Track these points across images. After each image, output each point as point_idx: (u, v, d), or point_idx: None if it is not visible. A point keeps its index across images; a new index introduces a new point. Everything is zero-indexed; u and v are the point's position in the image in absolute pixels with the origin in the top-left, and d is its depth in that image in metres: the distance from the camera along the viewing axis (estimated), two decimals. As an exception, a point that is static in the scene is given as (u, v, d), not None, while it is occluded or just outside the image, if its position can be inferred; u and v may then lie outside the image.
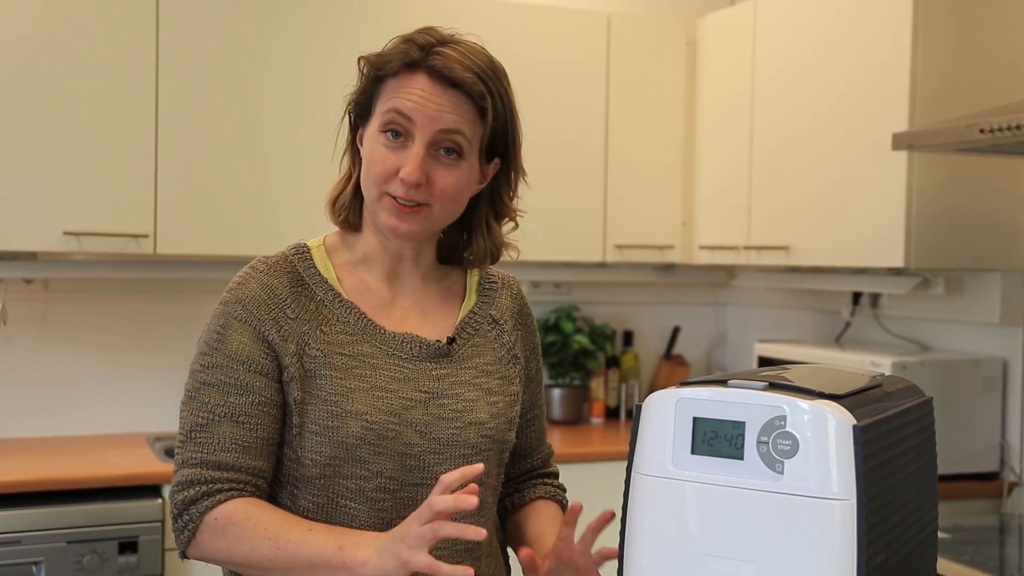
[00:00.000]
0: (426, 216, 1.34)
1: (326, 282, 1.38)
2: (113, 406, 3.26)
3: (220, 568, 1.41)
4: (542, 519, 1.49)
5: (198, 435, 1.32)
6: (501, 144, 1.39)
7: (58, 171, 2.86)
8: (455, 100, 1.33)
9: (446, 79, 1.32)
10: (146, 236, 2.94)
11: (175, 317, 3.32)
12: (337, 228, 1.45)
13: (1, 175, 2.81)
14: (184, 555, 1.32)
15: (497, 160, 1.41)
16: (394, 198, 1.32)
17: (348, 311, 1.37)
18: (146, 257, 3.05)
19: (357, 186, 1.40)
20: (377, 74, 1.34)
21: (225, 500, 1.28)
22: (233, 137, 3.02)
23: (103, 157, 2.90)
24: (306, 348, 1.33)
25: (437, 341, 1.39)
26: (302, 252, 1.41)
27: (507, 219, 1.47)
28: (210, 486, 1.29)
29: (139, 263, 3.21)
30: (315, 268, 1.39)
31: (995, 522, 2.65)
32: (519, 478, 1.56)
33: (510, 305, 1.51)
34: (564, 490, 1.58)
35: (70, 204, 2.87)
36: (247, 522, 1.26)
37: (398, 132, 1.32)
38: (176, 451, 1.34)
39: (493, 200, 1.44)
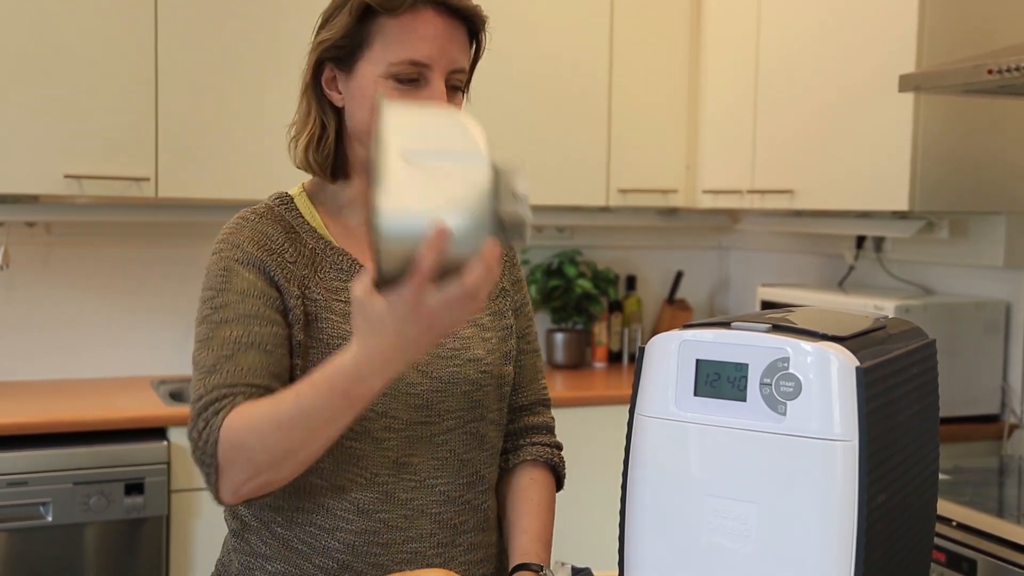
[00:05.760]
0: None
1: (315, 230, 1.37)
2: (117, 350, 3.27)
3: (220, 517, 1.42)
4: (522, 505, 1.44)
5: (224, 365, 1.23)
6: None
7: (58, 114, 2.84)
8: (461, 35, 1.33)
9: (453, 10, 1.31)
10: (147, 179, 2.92)
11: (178, 261, 3.32)
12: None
13: (1, 118, 2.80)
14: (217, 497, 1.22)
15: None
16: None
17: (341, 257, 1.36)
18: (148, 201, 3.04)
19: (337, 135, 1.36)
20: (376, 14, 1.30)
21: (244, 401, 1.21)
22: (234, 79, 3.00)
23: (103, 100, 2.88)
24: (307, 292, 1.32)
25: None
26: (286, 201, 1.39)
27: None
28: (232, 399, 1.20)
29: (141, 207, 3.20)
30: (302, 217, 1.38)
31: (995, 464, 2.67)
32: (512, 420, 1.50)
33: None
34: (559, 447, 1.52)
35: (71, 147, 2.86)
36: (260, 404, 1.18)
37: (412, 77, 1.30)
38: (195, 386, 1.24)
39: None
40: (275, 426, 1.16)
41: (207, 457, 1.20)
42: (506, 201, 0.98)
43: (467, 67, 1.35)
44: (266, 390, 1.23)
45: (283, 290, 1.30)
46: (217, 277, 1.30)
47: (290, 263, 1.32)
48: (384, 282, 0.99)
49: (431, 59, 1.29)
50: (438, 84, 1.30)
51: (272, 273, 1.30)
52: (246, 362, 1.23)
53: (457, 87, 1.34)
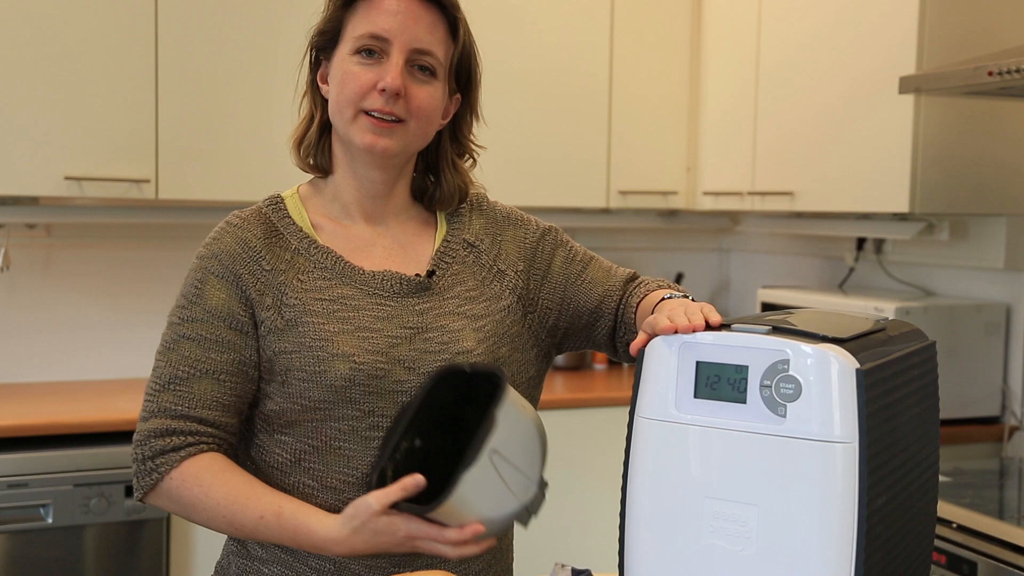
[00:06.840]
0: (402, 134, 1.35)
1: (300, 230, 1.38)
2: (117, 351, 3.27)
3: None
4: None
5: (177, 387, 1.32)
6: (464, 76, 1.41)
7: (59, 115, 2.84)
8: (429, 18, 1.35)
9: None
10: (148, 181, 2.92)
11: (178, 263, 3.31)
12: (309, 175, 1.45)
13: (2, 119, 2.80)
14: (142, 500, 1.34)
15: (458, 96, 1.43)
16: (370, 115, 1.33)
17: (324, 256, 1.37)
18: (148, 202, 3.04)
19: (322, 127, 1.41)
20: (354, 1, 1.35)
21: (196, 454, 1.31)
22: (234, 81, 3.00)
23: (104, 101, 2.88)
24: (283, 299, 1.33)
25: (416, 275, 1.39)
26: (276, 203, 1.41)
27: (467, 157, 1.48)
28: (184, 438, 1.31)
29: (141, 208, 3.20)
30: (289, 217, 1.39)
31: (995, 466, 2.67)
32: (620, 320, 1.46)
33: (482, 222, 1.48)
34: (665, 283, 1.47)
35: (71, 149, 2.86)
36: (204, 487, 1.29)
37: (372, 51, 1.33)
38: (149, 397, 1.34)
39: (454, 137, 1.46)
40: (223, 517, 1.29)
41: (143, 483, 1.32)
42: (530, 510, 1.27)
43: (438, 52, 1.35)
44: (212, 426, 1.32)
45: (255, 303, 1.33)
46: (192, 286, 1.36)
47: (267, 271, 1.34)
48: (418, 513, 1.20)
49: (390, 33, 1.32)
50: (396, 59, 1.32)
51: (245, 288, 1.33)
52: (198, 389, 1.31)
53: (427, 69, 1.35)
